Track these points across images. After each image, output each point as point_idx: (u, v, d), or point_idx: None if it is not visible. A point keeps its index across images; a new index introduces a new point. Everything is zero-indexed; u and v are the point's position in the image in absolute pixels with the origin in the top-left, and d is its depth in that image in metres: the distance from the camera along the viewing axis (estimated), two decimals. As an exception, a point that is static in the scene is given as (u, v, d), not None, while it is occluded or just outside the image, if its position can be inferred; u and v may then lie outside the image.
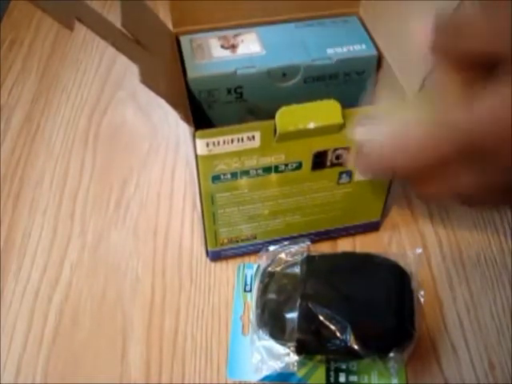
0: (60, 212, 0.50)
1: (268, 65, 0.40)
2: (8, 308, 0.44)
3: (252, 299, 0.42)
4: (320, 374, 0.40)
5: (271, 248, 0.43)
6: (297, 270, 0.40)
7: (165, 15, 0.44)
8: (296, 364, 0.40)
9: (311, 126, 0.36)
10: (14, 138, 0.56)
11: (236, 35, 0.42)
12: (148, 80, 0.31)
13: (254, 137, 0.36)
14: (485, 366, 0.41)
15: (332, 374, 0.40)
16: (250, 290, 0.44)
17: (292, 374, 0.40)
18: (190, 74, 0.40)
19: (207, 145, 0.36)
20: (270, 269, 0.42)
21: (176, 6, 0.42)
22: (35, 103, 0.59)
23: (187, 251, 0.47)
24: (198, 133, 0.35)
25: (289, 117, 0.35)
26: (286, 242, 0.43)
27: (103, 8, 0.65)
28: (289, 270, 0.41)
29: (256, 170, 0.39)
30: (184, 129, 0.38)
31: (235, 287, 0.45)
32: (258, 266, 0.43)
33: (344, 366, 0.40)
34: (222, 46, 0.41)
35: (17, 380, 0.41)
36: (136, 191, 0.51)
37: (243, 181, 0.39)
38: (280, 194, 0.41)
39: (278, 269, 0.41)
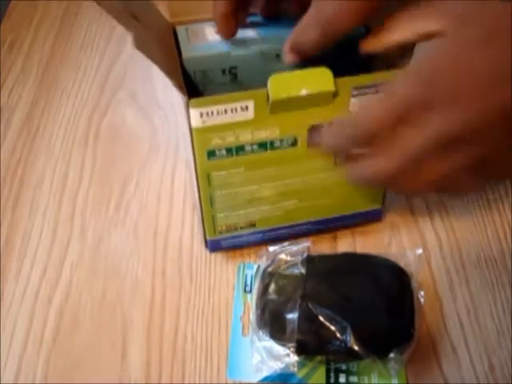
0: (60, 213, 0.50)
1: (261, 46, 0.41)
2: (8, 308, 0.44)
3: (252, 300, 0.42)
4: (320, 374, 0.40)
5: (271, 248, 0.43)
6: (297, 270, 0.40)
7: (164, 12, 0.44)
8: (296, 365, 0.40)
9: (303, 92, 0.36)
10: (14, 138, 0.56)
11: None
12: (142, 46, 0.31)
13: (247, 107, 0.36)
14: (485, 367, 0.41)
15: (332, 374, 0.40)
16: (250, 291, 0.44)
17: (292, 375, 0.40)
18: (185, 55, 0.40)
19: (201, 115, 0.36)
20: (270, 269, 0.42)
21: None
22: (35, 104, 0.59)
23: (187, 251, 0.47)
24: (192, 101, 0.35)
25: (281, 84, 0.36)
26: (286, 243, 0.43)
27: (103, 8, 0.66)
28: (289, 271, 0.41)
29: (251, 145, 0.39)
30: (182, 121, 0.38)
31: (235, 288, 0.45)
32: (258, 267, 0.43)
33: (344, 367, 0.40)
34: (217, 33, 0.42)
35: (17, 380, 0.41)
36: (136, 192, 0.51)
37: (239, 158, 0.39)
38: (276, 174, 0.41)
39: (279, 269, 0.41)
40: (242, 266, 0.46)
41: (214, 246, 0.46)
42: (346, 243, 0.47)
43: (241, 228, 0.44)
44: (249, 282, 0.45)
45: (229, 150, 0.38)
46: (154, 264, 0.47)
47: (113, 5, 0.34)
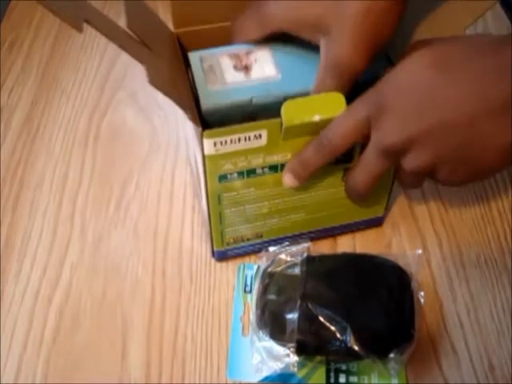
0: (60, 213, 0.50)
1: (284, 91, 0.39)
2: (8, 309, 0.44)
3: (252, 300, 0.42)
4: (320, 374, 0.40)
5: (271, 249, 0.43)
6: (297, 270, 0.40)
7: (165, 15, 0.44)
8: (296, 365, 0.40)
9: (317, 118, 0.36)
10: (14, 139, 0.56)
11: (248, 52, 0.41)
12: (156, 81, 0.31)
13: (260, 135, 0.36)
14: (485, 367, 0.41)
15: (332, 374, 0.40)
16: (250, 291, 0.44)
17: (292, 375, 0.40)
18: (204, 104, 0.38)
19: (215, 144, 0.36)
20: (270, 269, 0.42)
21: (177, 6, 0.42)
22: (35, 104, 0.59)
23: (187, 251, 0.47)
24: (206, 132, 0.35)
25: (294, 110, 0.36)
26: (286, 243, 0.43)
27: (103, 8, 0.65)
28: (289, 271, 0.41)
29: (262, 168, 0.39)
30: (188, 129, 0.37)
31: (235, 288, 0.45)
32: (258, 267, 0.43)
33: (344, 367, 0.40)
34: (235, 68, 0.40)
35: (17, 380, 0.41)
36: (136, 192, 0.51)
37: (250, 180, 0.39)
38: (286, 192, 0.41)
39: (278, 269, 0.41)
40: (241, 267, 0.46)
41: (220, 256, 0.46)
42: (346, 243, 0.47)
43: (248, 239, 0.45)
44: (249, 283, 0.45)
45: (240, 173, 0.39)
46: (154, 264, 0.47)
47: (119, 34, 0.34)
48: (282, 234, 0.45)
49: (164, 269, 0.46)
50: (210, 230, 0.43)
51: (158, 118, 0.57)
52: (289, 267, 0.41)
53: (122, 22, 0.34)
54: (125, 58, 0.63)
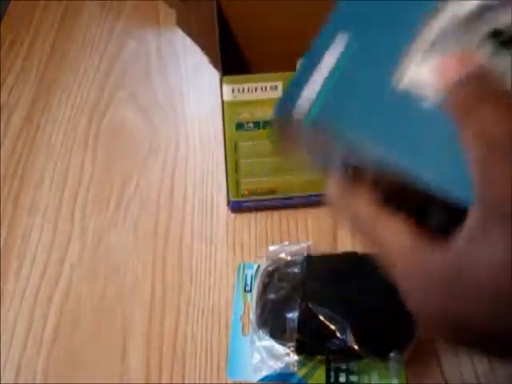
0: (60, 212, 0.50)
1: None
2: (8, 308, 0.44)
3: (252, 299, 0.42)
4: (320, 374, 0.40)
5: (271, 248, 0.43)
6: (297, 270, 0.40)
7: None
8: (296, 364, 0.40)
9: None
10: (14, 138, 0.56)
11: None
12: (182, 23, 0.35)
13: (276, 86, 0.39)
14: (485, 367, 0.41)
15: (332, 374, 0.40)
16: (250, 290, 0.44)
17: (292, 374, 0.40)
18: None
19: (233, 90, 0.39)
20: (270, 269, 0.42)
21: None
22: (35, 103, 0.59)
23: (187, 251, 0.47)
24: (226, 78, 0.38)
25: None
26: (286, 242, 0.43)
27: (103, 8, 0.65)
28: (289, 270, 0.41)
29: None
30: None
31: (235, 287, 0.45)
32: (258, 266, 0.43)
33: (344, 366, 0.40)
34: None
35: (17, 380, 0.41)
36: (136, 191, 0.51)
37: (265, 131, 0.42)
38: None
39: (279, 269, 0.41)
40: (241, 266, 0.46)
41: (235, 207, 0.48)
42: (346, 243, 0.47)
43: (262, 193, 0.47)
44: (249, 282, 0.45)
45: (256, 124, 0.41)
46: (154, 264, 0.47)
47: None
48: (294, 193, 0.47)
49: (164, 268, 0.46)
50: (227, 178, 0.45)
51: (158, 117, 0.57)
52: (289, 266, 0.41)
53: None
54: (125, 57, 0.63)
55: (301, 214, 0.49)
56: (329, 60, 0.25)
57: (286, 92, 0.26)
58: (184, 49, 0.63)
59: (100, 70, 0.62)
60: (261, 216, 0.49)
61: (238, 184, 0.46)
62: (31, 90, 0.60)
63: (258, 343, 0.40)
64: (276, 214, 0.49)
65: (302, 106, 0.25)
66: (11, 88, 0.60)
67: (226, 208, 0.49)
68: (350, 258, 0.43)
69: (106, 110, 0.58)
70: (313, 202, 0.48)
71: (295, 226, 0.48)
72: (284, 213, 0.49)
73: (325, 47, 0.25)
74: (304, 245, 0.43)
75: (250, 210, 0.48)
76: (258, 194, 0.47)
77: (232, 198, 0.47)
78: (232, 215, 0.49)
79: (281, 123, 0.26)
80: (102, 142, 0.55)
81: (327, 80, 0.25)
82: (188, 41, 0.65)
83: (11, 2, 0.70)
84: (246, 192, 0.46)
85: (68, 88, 0.60)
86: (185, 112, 0.57)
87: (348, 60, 0.25)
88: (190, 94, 0.59)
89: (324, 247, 0.47)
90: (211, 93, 0.57)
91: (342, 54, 0.25)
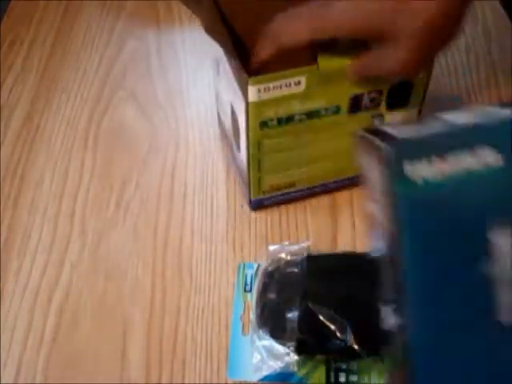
0: (60, 212, 0.50)
1: None
2: (8, 308, 0.44)
3: (252, 299, 0.42)
4: (320, 373, 0.40)
5: (271, 248, 0.43)
6: (297, 269, 0.40)
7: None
8: (296, 364, 0.40)
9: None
10: (13, 138, 0.56)
11: None
12: (209, 30, 0.35)
13: (299, 82, 0.39)
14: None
15: (332, 373, 0.40)
16: (250, 290, 0.44)
17: (292, 374, 0.40)
18: None
19: (258, 91, 0.38)
20: (270, 268, 0.42)
21: None
22: (35, 103, 0.59)
23: (187, 251, 0.47)
24: (251, 79, 0.38)
25: (329, 57, 0.39)
26: (286, 242, 0.43)
27: (103, 8, 0.65)
28: (289, 270, 0.41)
29: (299, 115, 0.41)
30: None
31: (235, 287, 0.45)
32: (258, 266, 0.43)
33: (344, 366, 0.40)
34: None
35: (17, 380, 0.41)
36: (136, 191, 0.51)
37: (288, 127, 0.42)
38: (320, 139, 0.44)
39: (279, 268, 0.41)
40: (241, 266, 0.46)
41: (256, 204, 0.48)
42: (346, 243, 0.47)
43: (284, 188, 0.47)
44: (249, 282, 0.45)
45: (279, 120, 0.41)
46: (153, 264, 0.47)
47: None
48: (312, 184, 0.48)
49: (164, 269, 0.46)
50: (249, 178, 0.45)
51: (158, 117, 0.57)
52: (289, 266, 0.41)
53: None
54: (125, 57, 0.63)
55: (301, 213, 0.49)
56: None
57: None
58: (184, 49, 0.63)
59: (100, 70, 0.62)
60: (261, 216, 0.49)
61: (260, 182, 0.46)
62: (31, 90, 0.60)
63: (258, 343, 0.40)
64: (276, 214, 0.49)
65: None
66: (11, 88, 0.60)
67: (226, 208, 0.49)
68: (350, 257, 0.43)
69: (106, 109, 0.58)
70: (329, 188, 0.49)
71: (295, 226, 0.48)
72: (284, 212, 0.49)
73: None
74: (304, 245, 0.43)
75: (259, 208, 0.49)
76: (279, 189, 0.47)
77: (253, 197, 0.47)
78: (232, 215, 0.49)
79: None
80: (102, 141, 0.55)
81: None
82: (188, 41, 0.65)
83: (11, 2, 0.70)
84: (269, 188, 0.47)
85: (68, 88, 0.60)
86: (185, 112, 0.57)
87: None
88: (190, 94, 0.59)
89: (324, 247, 0.47)
90: (211, 93, 0.57)
91: None
